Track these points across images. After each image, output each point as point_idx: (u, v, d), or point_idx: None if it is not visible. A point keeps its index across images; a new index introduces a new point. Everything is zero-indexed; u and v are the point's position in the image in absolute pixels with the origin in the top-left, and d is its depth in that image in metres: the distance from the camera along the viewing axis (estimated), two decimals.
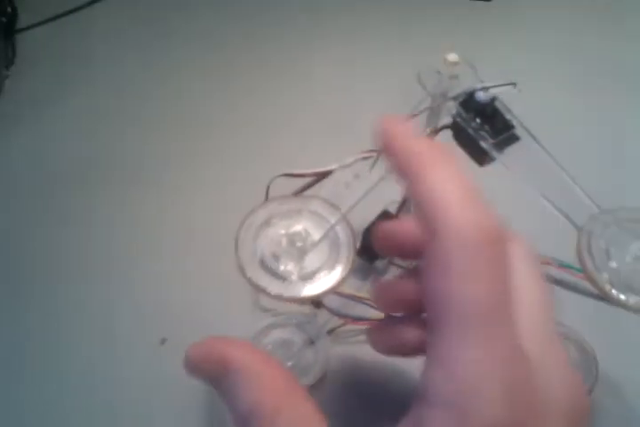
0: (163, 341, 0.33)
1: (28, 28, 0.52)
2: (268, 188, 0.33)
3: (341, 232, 0.23)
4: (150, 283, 0.37)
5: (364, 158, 0.33)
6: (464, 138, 0.28)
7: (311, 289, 0.22)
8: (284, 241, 0.23)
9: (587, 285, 0.31)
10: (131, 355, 0.34)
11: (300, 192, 0.33)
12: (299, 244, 0.23)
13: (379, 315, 0.31)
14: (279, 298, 0.22)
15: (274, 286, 0.22)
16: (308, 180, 0.33)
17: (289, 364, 0.32)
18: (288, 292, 0.22)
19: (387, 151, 0.20)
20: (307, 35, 0.55)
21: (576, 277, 0.34)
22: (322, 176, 0.33)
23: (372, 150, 0.33)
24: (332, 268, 0.22)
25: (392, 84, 0.45)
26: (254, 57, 0.53)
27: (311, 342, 0.32)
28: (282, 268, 0.22)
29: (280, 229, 0.23)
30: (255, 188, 0.34)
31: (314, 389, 0.31)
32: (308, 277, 0.22)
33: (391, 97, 0.41)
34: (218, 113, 0.48)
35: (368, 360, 0.33)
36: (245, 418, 0.17)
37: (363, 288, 0.34)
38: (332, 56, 0.53)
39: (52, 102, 0.48)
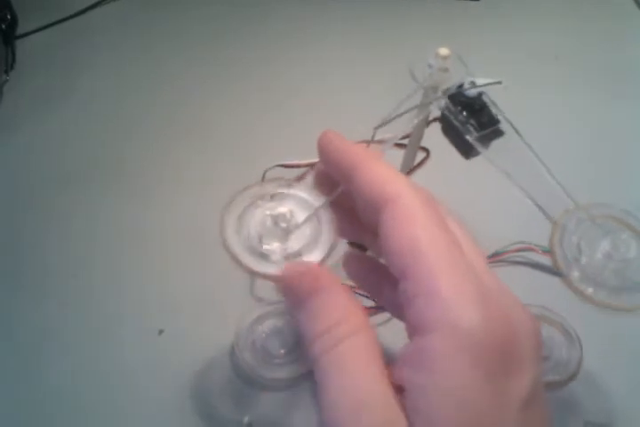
0: (160, 331, 0.34)
1: (28, 33, 0.53)
2: (263, 179, 0.35)
3: (324, 217, 0.24)
4: (146, 276, 0.38)
5: None
6: (451, 131, 0.29)
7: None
8: (269, 221, 0.24)
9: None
10: (129, 345, 0.35)
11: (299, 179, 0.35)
12: (283, 225, 0.23)
13: (368, 303, 0.32)
14: (260, 275, 0.22)
15: (255, 264, 0.22)
16: (302, 170, 0.35)
17: (282, 351, 0.33)
18: (268, 269, 0.22)
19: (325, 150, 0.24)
20: (300, 27, 0.57)
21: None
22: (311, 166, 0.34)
23: (364, 141, 0.34)
24: (312, 250, 0.23)
25: (384, 78, 0.47)
26: (248, 50, 0.54)
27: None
28: (265, 247, 0.23)
29: (265, 211, 0.24)
30: (250, 180, 0.35)
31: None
32: (289, 257, 0.23)
33: (383, 90, 0.42)
34: (213, 108, 0.49)
35: None
36: (318, 335, 0.19)
37: None
38: (325, 49, 0.55)
39: (50, 107, 0.48)
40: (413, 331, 0.18)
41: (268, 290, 0.36)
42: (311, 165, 0.34)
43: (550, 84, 0.51)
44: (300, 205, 0.25)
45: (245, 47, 0.55)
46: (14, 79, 0.50)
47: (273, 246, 0.23)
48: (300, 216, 0.24)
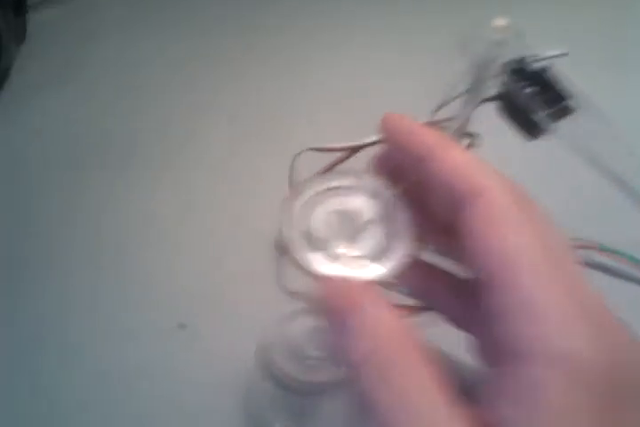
0: (181, 326, 0.32)
1: (39, 5, 0.50)
2: (293, 164, 0.31)
3: (400, 216, 0.21)
4: (167, 266, 0.35)
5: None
6: (513, 109, 0.26)
7: (367, 272, 0.20)
8: (335, 219, 0.21)
9: (631, 270, 0.29)
10: (148, 340, 0.32)
11: (329, 169, 0.31)
12: (350, 223, 0.20)
13: (415, 302, 0.29)
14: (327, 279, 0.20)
15: (322, 267, 0.20)
16: (337, 155, 0.31)
17: (317, 352, 0.30)
18: (337, 272, 0.19)
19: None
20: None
21: (620, 263, 0.32)
22: (354, 151, 0.31)
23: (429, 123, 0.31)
24: (381, 257, 0.20)
25: (431, 50, 0.42)
26: (279, 22, 0.50)
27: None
28: (332, 249, 0.20)
29: (330, 207, 0.21)
30: (278, 164, 0.32)
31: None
32: (353, 263, 0.20)
33: (430, 65, 0.38)
34: (238, 86, 0.45)
35: None
36: (358, 363, 0.16)
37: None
38: (366, 23, 0.50)
39: (62, 81, 0.45)
40: (501, 353, 0.15)
41: (301, 283, 0.33)
42: (350, 149, 0.31)
43: (615, 56, 0.46)
44: (369, 200, 0.21)
45: (275, 18, 0.51)
46: (25, 52, 0.47)
47: (337, 249, 0.20)
48: (371, 213, 0.21)
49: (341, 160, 0.31)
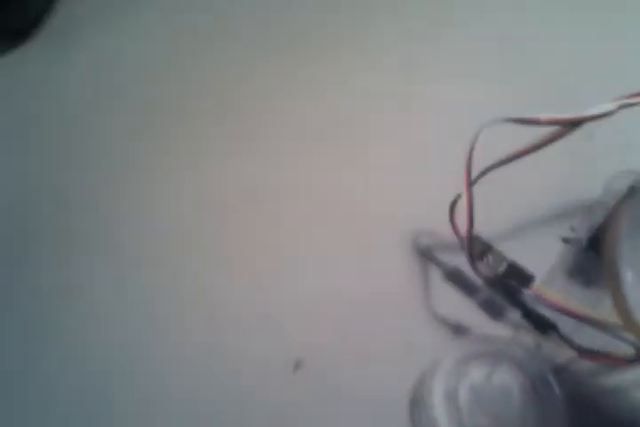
0: (297, 365, 0.22)
1: None
2: (477, 137, 0.21)
3: None
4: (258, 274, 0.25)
5: (628, 107, 0.20)
6: None
7: None
8: None
9: None
10: (258, 383, 0.23)
11: (529, 151, 0.21)
12: None
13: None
14: None
15: None
16: (541, 132, 0.21)
17: (485, 422, 0.20)
18: None
19: None
20: None
21: None
22: (567, 126, 0.20)
23: None
24: None
25: None
26: None
27: (534, 389, 0.20)
28: None
29: None
30: (455, 139, 0.22)
31: None
32: None
33: None
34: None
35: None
36: None
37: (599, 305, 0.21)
38: None
39: (109, 19, 0.36)
40: None
41: (459, 309, 0.23)
42: (565, 124, 0.21)
43: None
44: None
45: None
46: None
47: None
48: None
49: (549, 141, 0.20)
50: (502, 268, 0.22)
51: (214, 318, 0.24)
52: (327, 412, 0.21)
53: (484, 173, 0.22)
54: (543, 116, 0.20)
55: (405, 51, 0.31)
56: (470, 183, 0.22)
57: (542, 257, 0.22)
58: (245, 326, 0.23)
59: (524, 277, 0.21)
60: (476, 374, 0.20)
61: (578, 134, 0.29)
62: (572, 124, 0.20)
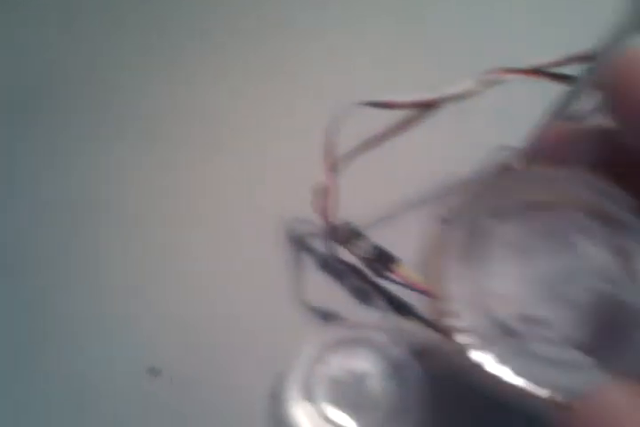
0: (153, 371, 0.21)
1: None
2: (333, 124, 0.21)
3: None
4: (128, 271, 0.24)
5: (491, 84, 0.20)
6: None
7: None
8: None
9: None
10: (104, 394, 0.21)
11: (388, 135, 0.21)
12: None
13: None
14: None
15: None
16: (399, 115, 0.21)
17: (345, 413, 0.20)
18: None
19: None
20: None
21: None
22: (423, 108, 0.20)
23: (510, 70, 0.20)
24: None
25: None
26: None
27: (395, 373, 0.20)
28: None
29: None
30: (317, 125, 0.21)
31: None
32: None
33: None
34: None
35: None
36: None
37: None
38: None
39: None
40: None
41: (332, 297, 0.23)
42: (421, 106, 0.21)
43: None
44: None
45: None
46: None
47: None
48: None
49: (408, 124, 0.20)
50: (368, 252, 0.22)
51: (63, 320, 0.22)
52: (188, 413, 0.20)
53: (348, 158, 0.21)
54: (400, 98, 0.20)
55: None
56: (332, 169, 0.21)
57: (418, 239, 0.22)
58: (101, 331, 0.22)
59: (390, 260, 0.21)
60: (335, 362, 0.20)
61: (451, 112, 0.29)
62: (431, 106, 0.20)
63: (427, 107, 0.20)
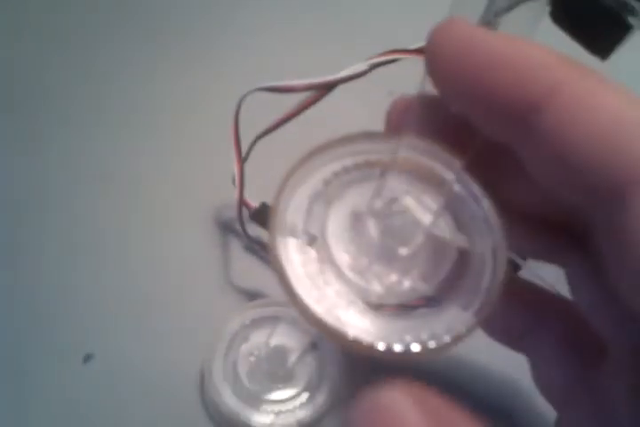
0: (87, 357, 0.22)
1: None
2: (239, 109, 0.21)
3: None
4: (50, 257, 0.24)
5: (382, 64, 0.21)
6: (576, 12, 0.16)
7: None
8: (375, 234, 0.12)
9: None
10: (36, 381, 0.21)
11: (290, 117, 0.21)
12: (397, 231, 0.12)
13: None
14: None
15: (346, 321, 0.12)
16: (300, 97, 0.21)
17: (254, 388, 0.21)
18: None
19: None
20: None
21: None
22: (321, 91, 0.21)
23: (396, 51, 0.21)
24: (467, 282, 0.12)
25: None
26: None
27: (313, 347, 0.21)
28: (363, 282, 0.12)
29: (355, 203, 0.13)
30: (220, 111, 0.22)
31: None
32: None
33: None
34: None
35: None
36: None
37: None
38: None
39: None
40: None
41: (259, 278, 0.24)
42: (320, 88, 0.21)
43: None
44: (423, 186, 0.13)
45: None
46: None
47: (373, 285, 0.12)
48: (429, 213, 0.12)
49: (307, 105, 0.21)
50: None
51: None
52: (120, 397, 0.21)
53: (259, 140, 0.22)
54: (297, 82, 0.21)
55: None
56: (241, 153, 0.22)
57: None
58: (36, 317, 0.23)
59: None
60: (255, 338, 0.21)
61: (380, 90, 0.30)
62: (327, 87, 0.21)
63: (323, 88, 0.21)
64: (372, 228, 0.12)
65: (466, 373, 0.22)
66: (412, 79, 0.21)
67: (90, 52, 0.30)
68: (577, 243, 0.13)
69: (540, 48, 0.12)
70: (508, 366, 0.22)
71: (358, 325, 0.11)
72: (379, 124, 0.19)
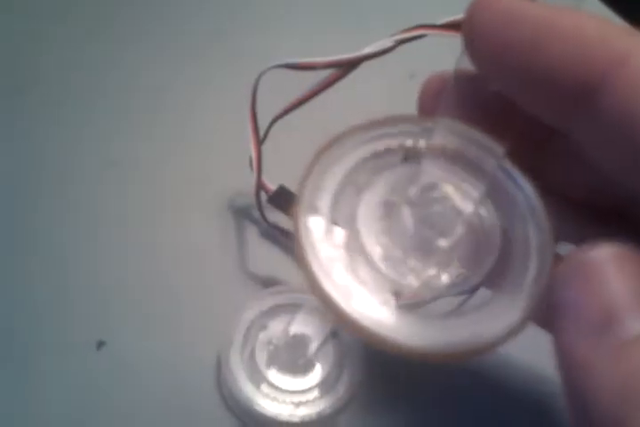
0: (100, 344, 0.21)
1: None
2: (256, 87, 0.20)
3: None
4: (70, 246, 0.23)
5: (408, 40, 0.19)
6: None
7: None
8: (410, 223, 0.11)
9: None
10: (49, 368, 0.21)
11: (310, 96, 0.20)
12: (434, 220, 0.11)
13: None
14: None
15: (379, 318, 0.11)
16: (322, 75, 0.20)
17: (273, 378, 0.20)
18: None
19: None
20: None
21: None
22: (345, 68, 0.20)
23: (423, 26, 0.19)
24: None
25: None
26: None
27: (334, 336, 0.20)
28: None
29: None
30: (234, 92, 0.21)
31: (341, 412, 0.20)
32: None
33: None
34: None
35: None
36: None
37: None
38: None
39: None
40: None
41: (277, 265, 0.23)
42: (342, 66, 0.20)
43: None
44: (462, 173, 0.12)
45: None
46: None
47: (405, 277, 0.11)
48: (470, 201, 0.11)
49: (328, 84, 0.20)
50: None
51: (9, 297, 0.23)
52: (134, 385, 0.21)
53: (278, 121, 0.21)
54: (319, 59, 0.20)
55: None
56: (258, 135, 0.21)
57: None
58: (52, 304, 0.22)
59: None
60: (274, 326, 0.20)
61: (400, 74, 0.29)
62: (350, 65, 0.20)
63: (346, 66, 0.19)
64: (407, 217, 0.11)
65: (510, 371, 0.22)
66: (434, 60, 0.20)
67: (99, 31, 0.29)
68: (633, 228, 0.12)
69: (596, 18, 0.11)
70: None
71: (390, 324, 0.10)
72: (400, 108, 0.18)
